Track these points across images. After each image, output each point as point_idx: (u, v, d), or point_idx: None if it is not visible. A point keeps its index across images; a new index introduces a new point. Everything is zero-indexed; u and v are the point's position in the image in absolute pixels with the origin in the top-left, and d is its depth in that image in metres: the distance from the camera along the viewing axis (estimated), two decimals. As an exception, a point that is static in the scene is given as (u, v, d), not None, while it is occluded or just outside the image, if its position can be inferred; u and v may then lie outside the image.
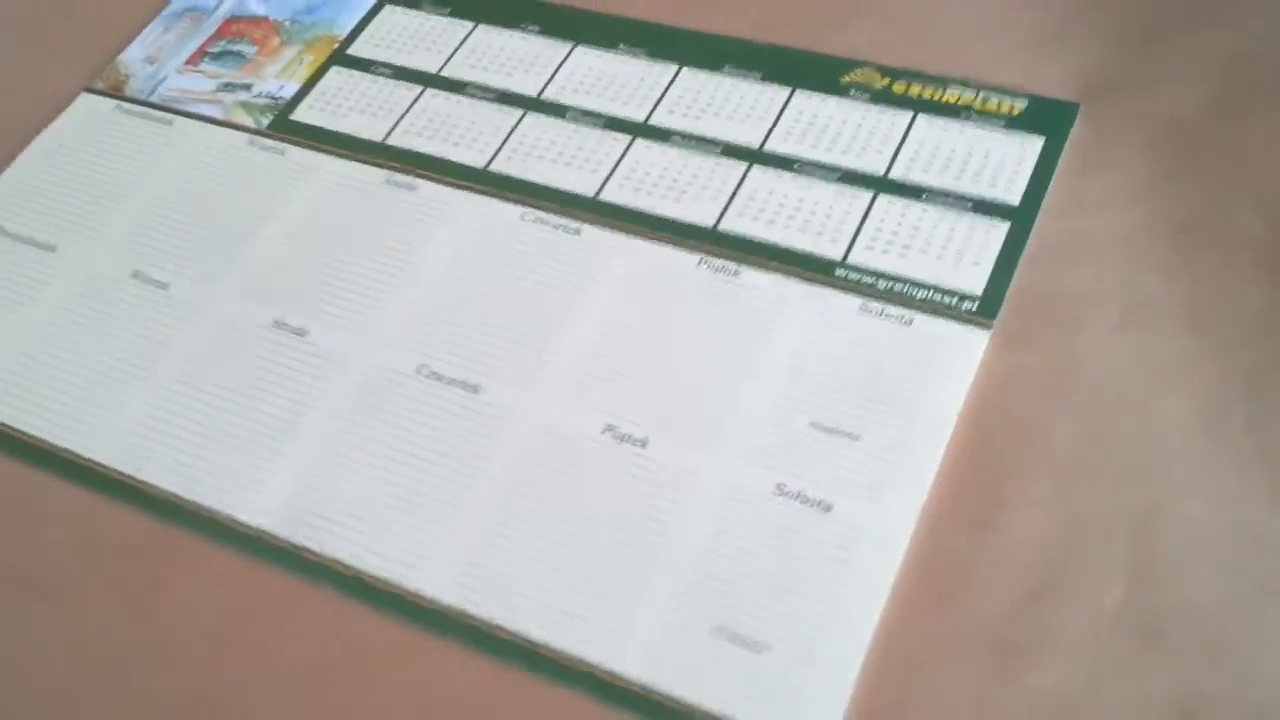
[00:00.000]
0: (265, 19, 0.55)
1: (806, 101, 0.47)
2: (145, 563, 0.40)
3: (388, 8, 0.54)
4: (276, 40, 0.54)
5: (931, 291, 0.41)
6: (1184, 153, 0.43)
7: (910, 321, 0.40)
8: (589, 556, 0.37)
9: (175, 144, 0.51)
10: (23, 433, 0.43)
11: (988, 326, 0.40)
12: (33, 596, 0.40)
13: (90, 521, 0.41)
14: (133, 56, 0.55)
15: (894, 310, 0.41)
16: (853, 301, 0.41)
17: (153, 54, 0.55)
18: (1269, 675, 0.33)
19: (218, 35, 0.55)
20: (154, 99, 0.53)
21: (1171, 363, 0.39)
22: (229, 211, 0.48)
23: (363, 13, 0.54)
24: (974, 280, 0.41)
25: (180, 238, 0.47)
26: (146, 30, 0.56)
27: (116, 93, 0.53)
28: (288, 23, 0.54)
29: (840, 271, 0.42)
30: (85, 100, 0.53)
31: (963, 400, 0.39)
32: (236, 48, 0.54)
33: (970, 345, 0.40)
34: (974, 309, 0.40)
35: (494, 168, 0.47)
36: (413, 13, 0.54)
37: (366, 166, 0.48)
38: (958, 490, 0.37)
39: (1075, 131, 0.44)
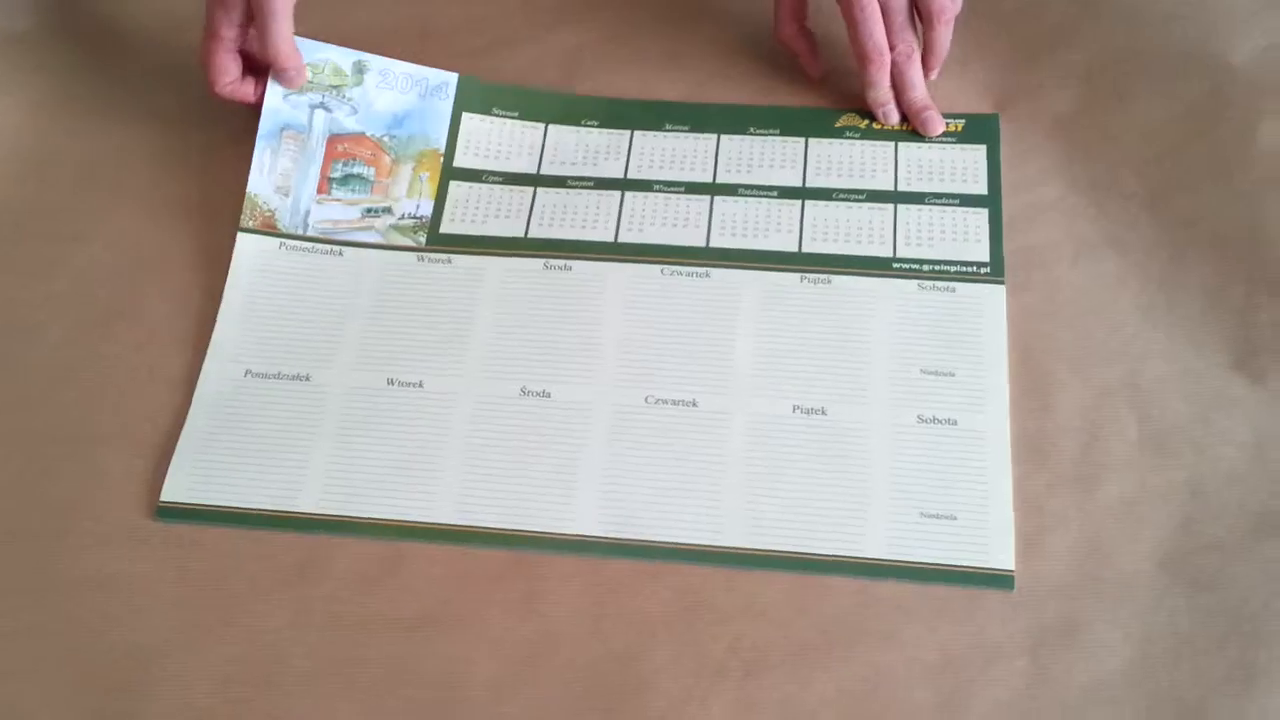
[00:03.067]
0: (363, 135, 0.67)
1: (818, 146, 0.67)
2: (514, 583, 0.55)
3: (465, 115, 0.68)
4: (387, 160, 0.66)
5: (959, 266, 0.62)
6: (1076, 139, 0.66)
7: (954, 290, 0.61)
8: (822, 490, 0.56)
9: (356, 270, 0.64)
10: (365, 517, 0.57)
11: (1001, 282, 0.61)
12: (439, 628, 0.54)
13: (454, 565, 0.56)
14: (262, 189, 0.65)
15: (941, 284, 0.62)
16: (911, 284, 0.62)
17: (280, 183, 0.65)
18: (1222, 457, 0.56)
19: (329, 157, 0.66)
20: (312, 233, 0.65)
21: (1112, 277, 0.61)
22: (435, 315, 0.62)
23: (445, 122, 0.68)
24: (981, 252, 0.62)
25: (409, 344, 0.61)
26: (257, 157, 0.65)
27: (271, 230, 0.64)
28: (386, 139, 0.67)
29: (896, 265, 0.62)
30: (246, 242, 0.64)
31: (1006, 334, 0.60)
32: (355, 170, 0.66)
33: (996, 297, 0.61)
34: (989, 272, 0.62)
35: (622, 239, 0.64)
36: (488, 119, 0.68)
37: (523, 259, 0.64)
38: (1021, 391, 0.58)
39: (1003, 135, 0.66)
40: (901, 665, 0.52)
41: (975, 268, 0.62)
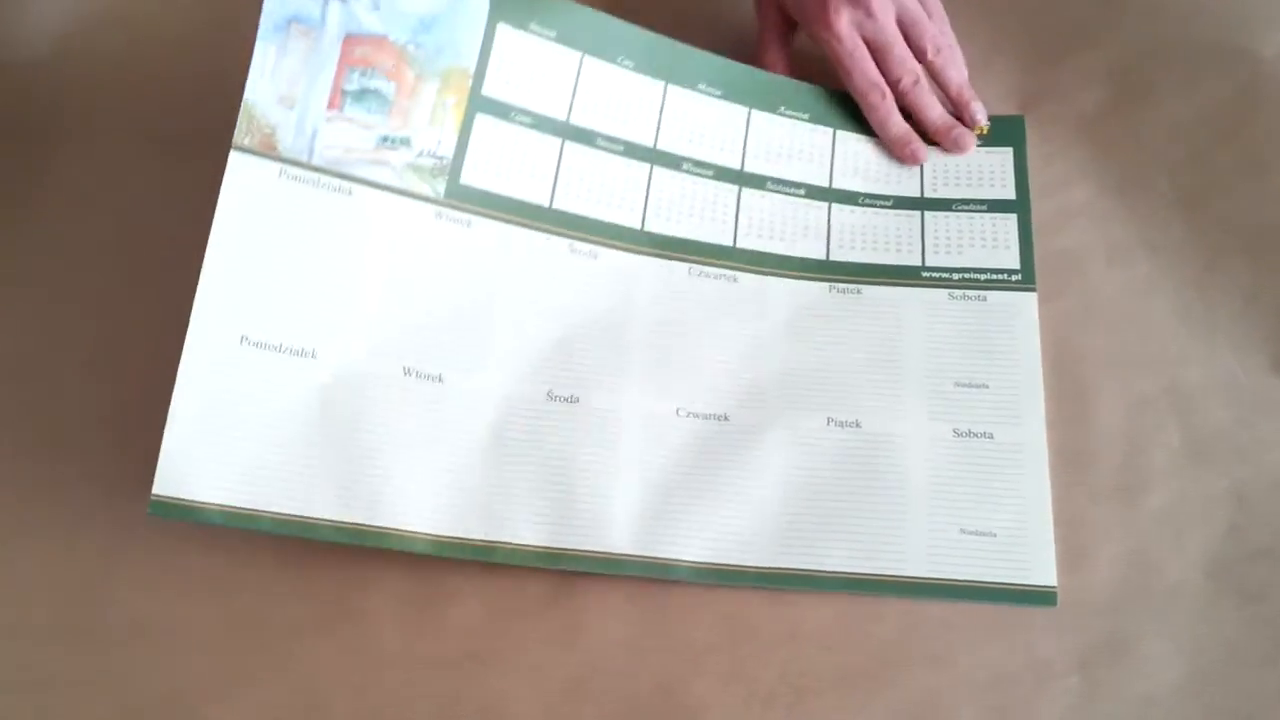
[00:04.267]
0: (385, 39, 0.56)
1: (844, 143, 0.65)
2: (555, 610, 0.54)
3: (500, 27, 0.58)
4: (410, 74, 0.57)
5: (989, 274, 0.61)
6: (1104, 140, 0.64)
7: (985, 298, 0.60)
8: (860, 506, 0.55)
9: (365, 220, 0.55)
10: (387, 528, 0.53)
11: (1033, 289, 0.60)
12: (479, 662, 0.53)
13: (494, 599, 0.54)
14: (263, 97, 0.54)
15: (971, 293, 0.61)
16: (941, 294, 0.61)
17: (284, 91, 0.54)
18: (1267, 462, 0.56)
19: (344, 62, 0.56)
20: (317, 161, 0.55)
21: (1146, 281, 0.61)
22: (454, 296, 0.57)
23: (479, 34, 0.58)
24: (1011, 259, 0.61)
25: (426, 327, 0.56)
26: (258, 57, 0.53)
27: (270, 152, 0.54)
28: (411, 47, 0.57)
29: (925, 274, 0.61)
30: (240, 163, 0.53)
31: (1039, 344, 0.59)
32: (373, 84, 0.56)
33: (1028, 305, 0.60)
34: (1020, 279, 0.61)
35: (649, 228, 0.61)
36: (525, 35, 0.60)
37: (549, 236, 0.60)
38: (1057, 402, 0.58)
39: (1029, 137, 0.65)
40: (952, 687, 0.52)
41: (1006, 275, 0.61)
